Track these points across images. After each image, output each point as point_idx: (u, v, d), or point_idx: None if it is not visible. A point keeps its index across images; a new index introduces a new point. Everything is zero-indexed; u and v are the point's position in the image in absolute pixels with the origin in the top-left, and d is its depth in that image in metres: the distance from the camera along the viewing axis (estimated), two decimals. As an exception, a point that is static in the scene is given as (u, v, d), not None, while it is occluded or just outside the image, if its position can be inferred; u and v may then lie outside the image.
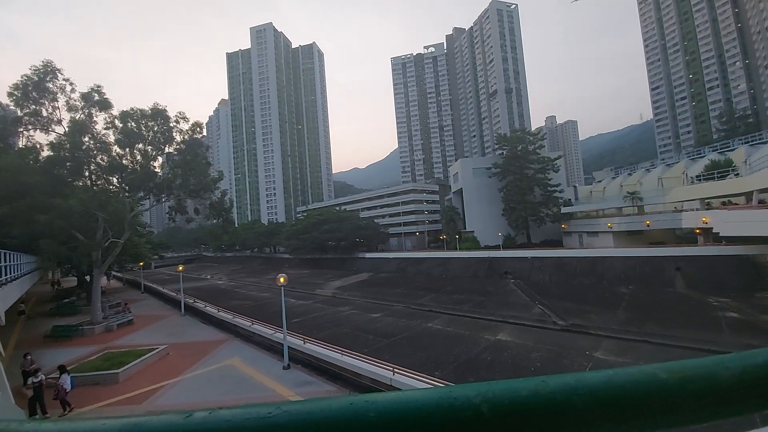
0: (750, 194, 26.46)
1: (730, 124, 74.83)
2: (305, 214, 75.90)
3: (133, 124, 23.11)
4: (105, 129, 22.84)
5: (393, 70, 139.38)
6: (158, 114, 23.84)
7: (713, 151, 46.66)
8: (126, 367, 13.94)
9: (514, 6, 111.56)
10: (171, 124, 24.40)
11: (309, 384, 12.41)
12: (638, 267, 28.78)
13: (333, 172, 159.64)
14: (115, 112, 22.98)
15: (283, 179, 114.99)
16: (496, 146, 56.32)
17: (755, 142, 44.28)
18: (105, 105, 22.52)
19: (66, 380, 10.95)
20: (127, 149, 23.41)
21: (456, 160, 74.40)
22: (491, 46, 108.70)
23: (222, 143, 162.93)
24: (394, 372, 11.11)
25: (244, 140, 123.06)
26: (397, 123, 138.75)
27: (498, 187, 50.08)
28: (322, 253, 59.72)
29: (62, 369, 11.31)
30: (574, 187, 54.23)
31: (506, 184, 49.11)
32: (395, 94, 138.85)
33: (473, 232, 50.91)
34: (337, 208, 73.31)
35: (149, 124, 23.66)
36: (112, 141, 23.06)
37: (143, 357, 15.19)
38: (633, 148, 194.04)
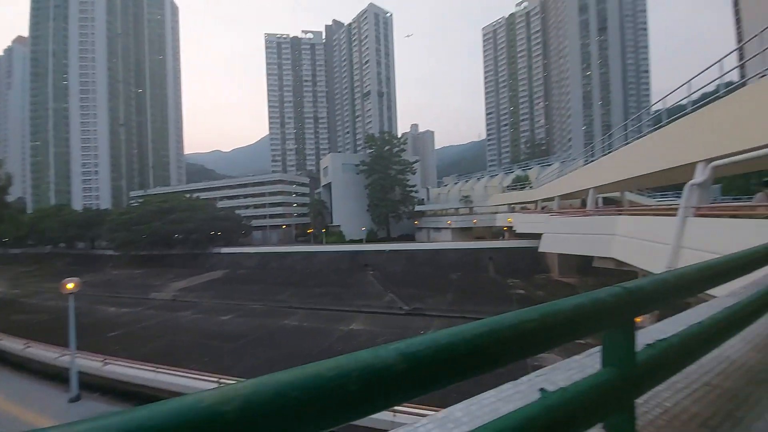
0: (536, 202, 35.96)
1: (531, 148, 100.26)
2: (143, 200, 62.04)
3: None
4: None
5: (267, 47, 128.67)
6: None
7: (519, 168, 61.56)
8: None
9: (389, 14, 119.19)
10: None
11: (110, 414, 9.97)
12: (465, 257, 35.24)
13: (187, 152, 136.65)
14: None
15: (112, 154, 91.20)
16: (365, 145, 59.24)
17: (544, 164, 60.56)
18: None
19: None
20: None
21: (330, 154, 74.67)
22: (368, 48, 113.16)
23: (14, 95, 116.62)
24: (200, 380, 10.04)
25: (49, 96, 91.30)
26: (269, 107, 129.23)
27: (364, 184, 52.77)
28: (166, 249, 50.25)
29: None
30: (427, 189, 62.28)
31: (372, 181, 52.24)
32: (268, 74, 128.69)
33: (340, 226, 52.21)
34: (189, 195, 62.99)
35: None
36: None
37: None
38: (474, 160, 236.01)
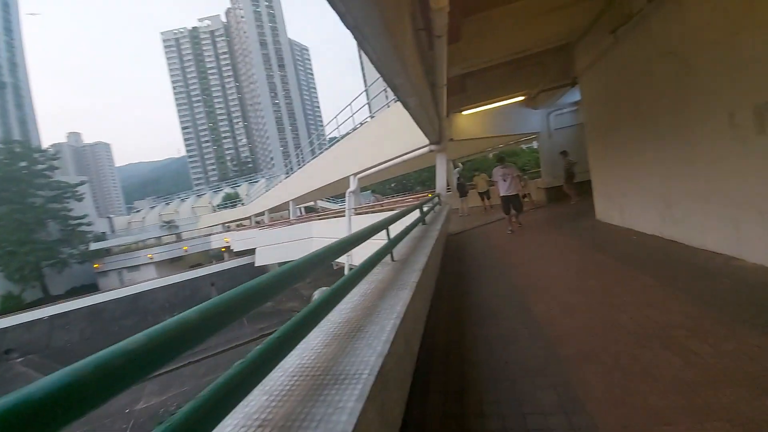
0: (250, 218, 36.83)
1: (238, 166, 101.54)
2: None
3: None
4: None
5: None
6: None
7: (228, 186, 60.45)
8: None
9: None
10: None
11: None
12: (180, 291, 30.33)
13: None
14: None
15: None
16: (-33, 161, 36.27)
17: (252, 181, 62.64)
18: None
19: None
20: None
21: None
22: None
23: None
24: None
25: None
26: None
27: (-25, 224, 32.51)
28: None
29: None
30: (109, 218, 47.69)
31: (-6, 218, 33.09)
32: None
33: None
34: None
35: None
36: None
37: None
38: (173, 178, 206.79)
